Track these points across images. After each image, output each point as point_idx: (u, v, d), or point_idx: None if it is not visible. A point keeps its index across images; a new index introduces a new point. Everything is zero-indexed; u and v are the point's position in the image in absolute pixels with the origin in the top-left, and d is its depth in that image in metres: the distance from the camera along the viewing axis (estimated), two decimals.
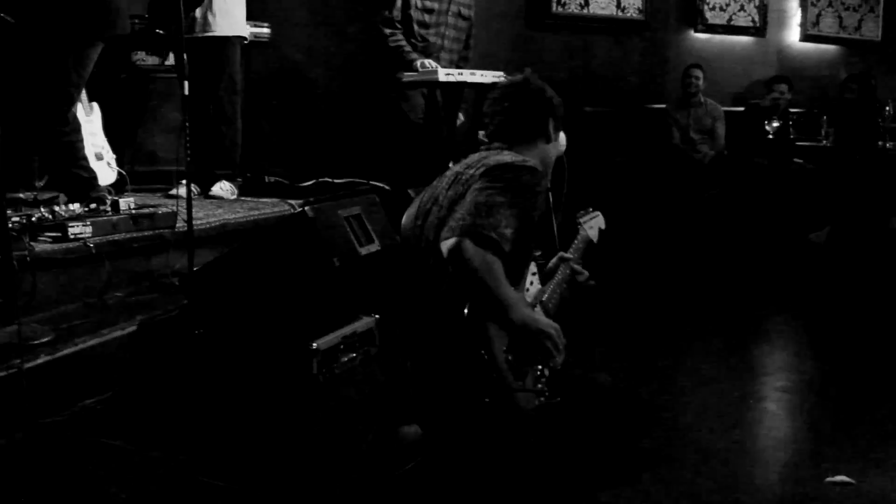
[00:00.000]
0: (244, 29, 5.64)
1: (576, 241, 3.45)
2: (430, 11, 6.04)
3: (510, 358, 2.79)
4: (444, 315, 2.82)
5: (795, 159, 7.70)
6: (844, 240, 6.92)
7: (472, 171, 2.95)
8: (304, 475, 2.90)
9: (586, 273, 3.35)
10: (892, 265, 6.19)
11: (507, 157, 2.99)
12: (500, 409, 2.75)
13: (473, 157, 3.09)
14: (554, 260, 3.36)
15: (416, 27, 5.99)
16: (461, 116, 6.25)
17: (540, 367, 2.92)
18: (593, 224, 3.55)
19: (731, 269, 6.65)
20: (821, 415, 3.97)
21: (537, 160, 3.06)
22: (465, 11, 6.20)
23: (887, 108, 7.23)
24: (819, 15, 9.68)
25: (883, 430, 3.69)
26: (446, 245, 2.74)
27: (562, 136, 3.29)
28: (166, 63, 5.83)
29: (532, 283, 3.13)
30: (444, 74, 5.56)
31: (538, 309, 3.05)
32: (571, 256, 3.34)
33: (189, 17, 5.21)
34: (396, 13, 5.97)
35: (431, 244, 2.92)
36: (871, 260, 6.42)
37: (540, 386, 2.89)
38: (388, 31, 5.97)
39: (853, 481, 3.17)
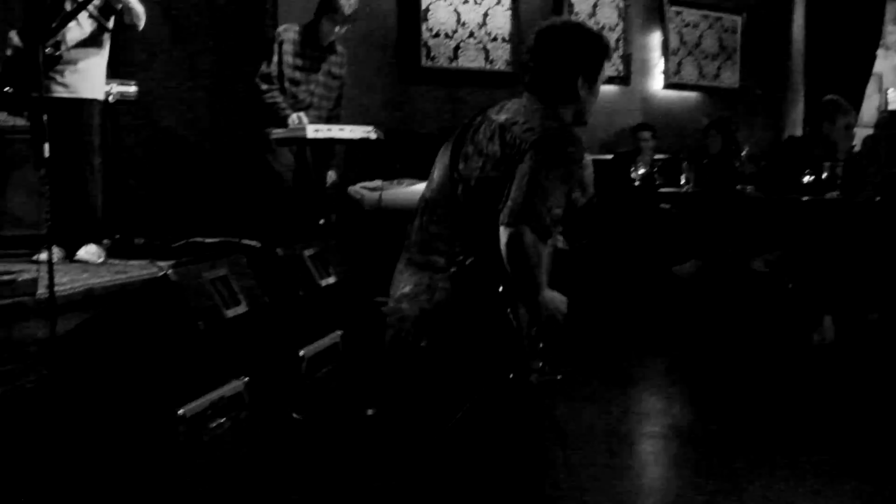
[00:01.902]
0: (103, 89, 5.52)
1: None
2: (301, 69, 6.06)
3: (532, 333, 2.95)
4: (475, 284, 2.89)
5: (661, 204, 7.92)
6: (708, 278, 7.13)
7: (518, 132, 2.94)
8: None
9: None
10: (753, 305, 6.41)
11: (548, 121, 2.99)
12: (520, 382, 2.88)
13: (511, 106, 3.08)
14: None
15: (287, 84, 6.01)
16: (332, 174, 6.27)
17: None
18: None
19: (603, 310, 6.78)
20: (686, 460, 4.09)
21: (571, 118, 3.09)
22: (336, 70, 6.23)
23: (743, 153, 7.51)
24: (680, 64, 10.04)
25: (740, 475, 3.80)
26: (505, 234, 2.80)
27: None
28: (24, 123, 5.66)
29: None
30: (313, 130, 5.57)
31: None
32: None
33: (45, 77, 5.11)
34: (273, 68, 5.98)
35: (472, 190, 2.97)
36: (733, 300, 6.64)
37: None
38: (265, 86, 5.97)
39: None
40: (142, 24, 5.38)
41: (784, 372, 5.39)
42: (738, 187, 7.02)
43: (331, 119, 6.23)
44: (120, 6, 5.20)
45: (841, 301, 5.81)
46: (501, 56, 8.59)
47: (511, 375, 2.85)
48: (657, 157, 8.53)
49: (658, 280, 7.27)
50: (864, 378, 5.20)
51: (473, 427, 2.84)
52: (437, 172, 3.12)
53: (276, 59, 5.98)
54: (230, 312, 3.67)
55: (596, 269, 7.51)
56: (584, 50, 3.09)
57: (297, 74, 6.05)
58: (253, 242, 5.65)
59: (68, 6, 5.10)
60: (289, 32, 6.05)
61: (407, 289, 3.03)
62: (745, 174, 7.29)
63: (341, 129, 5.72)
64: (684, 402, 5.02)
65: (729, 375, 5.38)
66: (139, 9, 5.31)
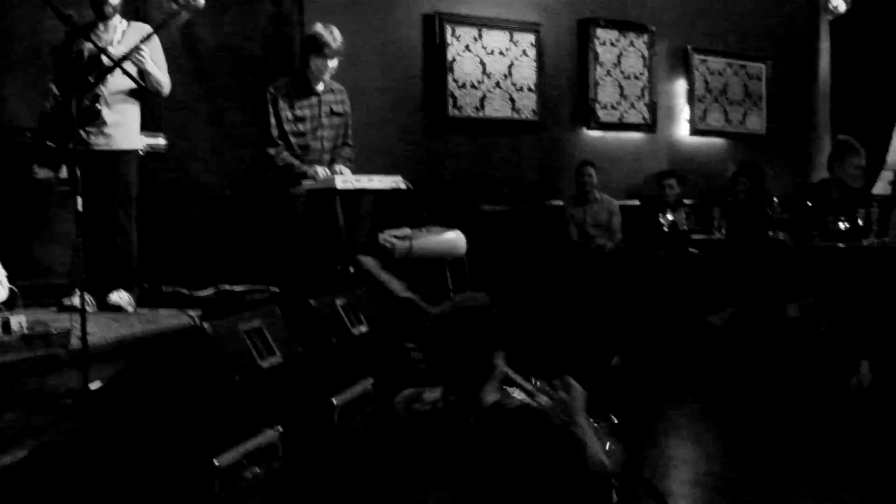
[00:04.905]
0: (139, 141, 5.60)
1: None
2: (302, 119, 5.97)
3: None
4: None
5: (690, 249, 7.89)
6: (742, 325, 7.08)
7: None
8: None
9: None
10: (788, 351, 6.35)
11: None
12: None
13: None
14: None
15: (293, 139, 5.93)
16: None
17: None
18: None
19: (635, 356, 6.72)
20: None
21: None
22: (337, 108, 6.09)
23: (775, 199, 7.46)
24: (706, 110, 10.05)
25: None
26: None
27: None
28: (61, 176, 5.70)
29: None
30: (342, 182, 5.52)
31: None
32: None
33: (83, 130, 5.17)
34: (274, 130, 5.90)
35: None
36: (767, 346, 6.58)
37: None
38: (272, 150, 5.89)
39: None
40: (165, 91, 5.45)
41: (820, 417, 5.32)
42: (771, 234, 6.97)
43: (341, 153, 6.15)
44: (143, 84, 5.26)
45: (878, 346, 5.74)
46: (528, 105, 8.62)
47: None
48: (685, 201, 8.49)
49: (691, 327, 7.22)
50: None
51: None
52: None
53: (273, 120, 5.91)
54: (265, 363, 3.65)
55: (627, 309, 7.48)
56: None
57: (300, 126, 5.97)
58: (278, 289, 5.63)
59: (105, 60, 5.17)
60: (279, 88, 5.97)
61: None
62: (776, 220, 7.24)
63: (370, 180, 5.67)
64: (718, 449, 4.96)
65: (764, 421, 5.31)
66: (162, 78, 5.39)
